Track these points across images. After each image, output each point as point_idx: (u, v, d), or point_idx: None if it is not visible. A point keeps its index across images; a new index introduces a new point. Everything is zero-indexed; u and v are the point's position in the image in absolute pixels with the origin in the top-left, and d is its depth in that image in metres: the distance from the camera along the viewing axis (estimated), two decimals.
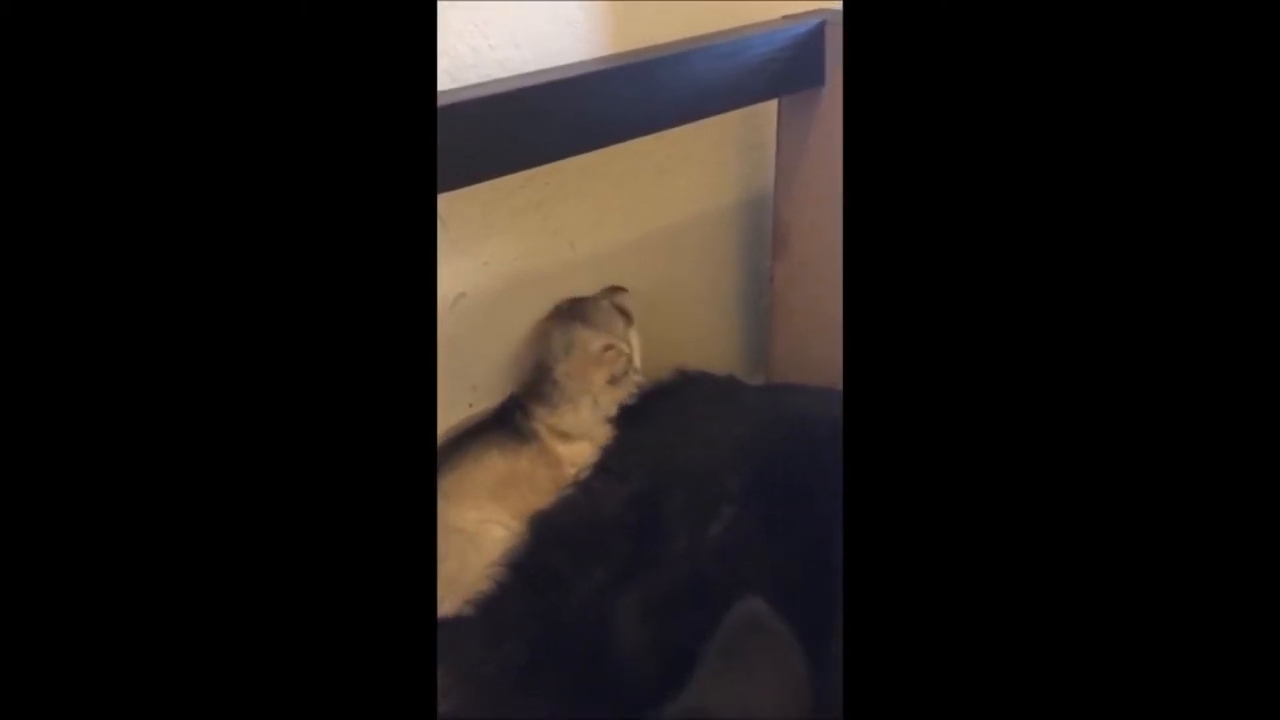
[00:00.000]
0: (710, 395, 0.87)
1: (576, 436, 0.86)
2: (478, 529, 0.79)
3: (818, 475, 0.67)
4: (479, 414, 0.89)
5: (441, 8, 0.71)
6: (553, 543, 0.73)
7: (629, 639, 0.64)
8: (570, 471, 0.83)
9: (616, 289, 0.92)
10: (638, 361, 0.89)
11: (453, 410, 0.88)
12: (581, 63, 0.80)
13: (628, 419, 0.86)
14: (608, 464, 0.80)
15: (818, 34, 0.84)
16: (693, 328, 1.06)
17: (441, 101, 0.66)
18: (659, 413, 0.86)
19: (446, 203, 0.78)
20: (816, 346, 0.95)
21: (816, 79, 0.86)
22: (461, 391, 0.88)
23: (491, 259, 0.85)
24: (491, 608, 0.69)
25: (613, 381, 0.87)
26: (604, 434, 0.85)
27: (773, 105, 0.91)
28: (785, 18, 0.87)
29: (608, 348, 0.86)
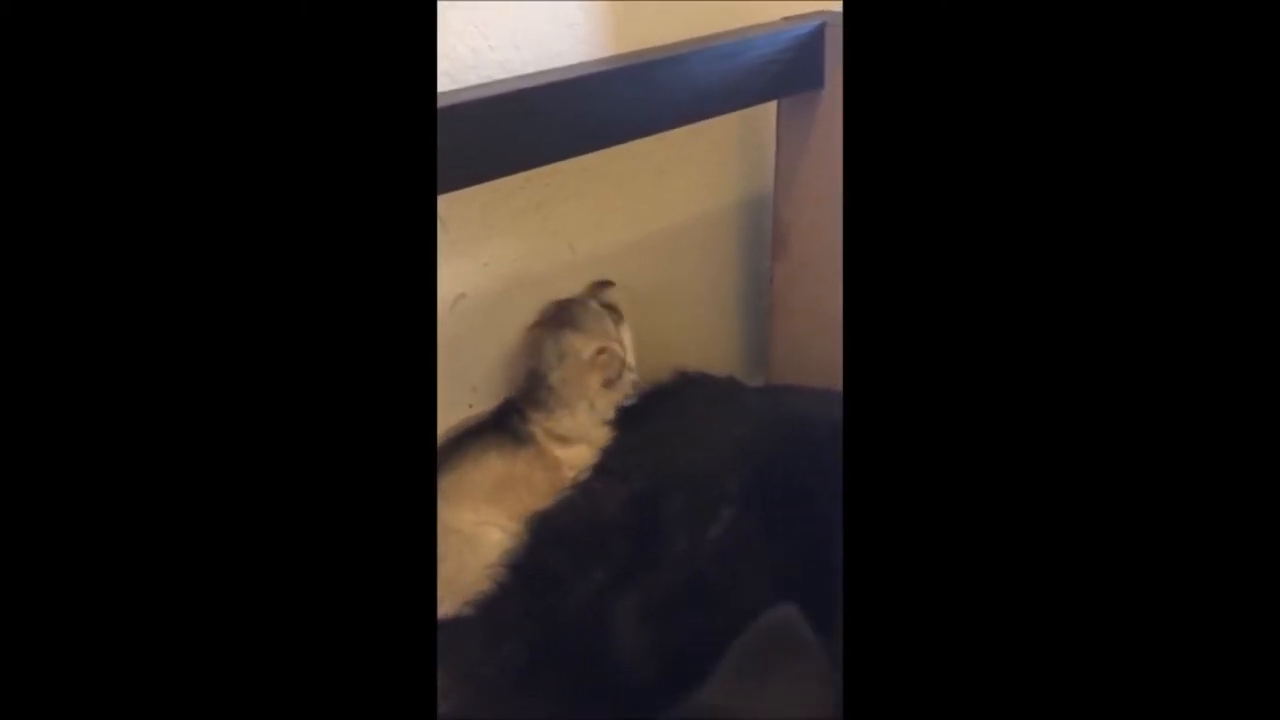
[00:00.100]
0: (710, 396, 0.87)
1: (574, 440, 0.86)
2: (474, 530, 0.79)
3: (817, 477, 0.67)
4: (477, 416, 0.88)
5: (441, 8, 0.71)
6: (552, 543, 0.73)
7: (628, 640, 0.64)
8: (568, 475, 0.82)
9: (603, 284, 0.91)
10: (631, 360, 0.89)
11: (452, 411, 0.88)
12: (581, 64, 0.80)
13: (627, 420, 0.86)
14: (607, 465, 0.80)
15: (817, 36, 0.84)
16: (693, 328, 1.06)
17: (441, 103, 0.66)
18: (658, 414, 0.86)
19: (446, 204, 0.78)
20: (816, 347, 0.95)
21: (816, 81, 0.86)
22: (461, 392, 0.88)
23: (491, 260, 0.85)
24: (491, 608, 0.69)
25: (607, 384, 0.86)
26: (602, 437, 0.85)
27: (772, 106, 0.91)
28: (785, 19, 0.87)
29: (601, 351, 0.86)
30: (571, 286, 0.91)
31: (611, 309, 0.89)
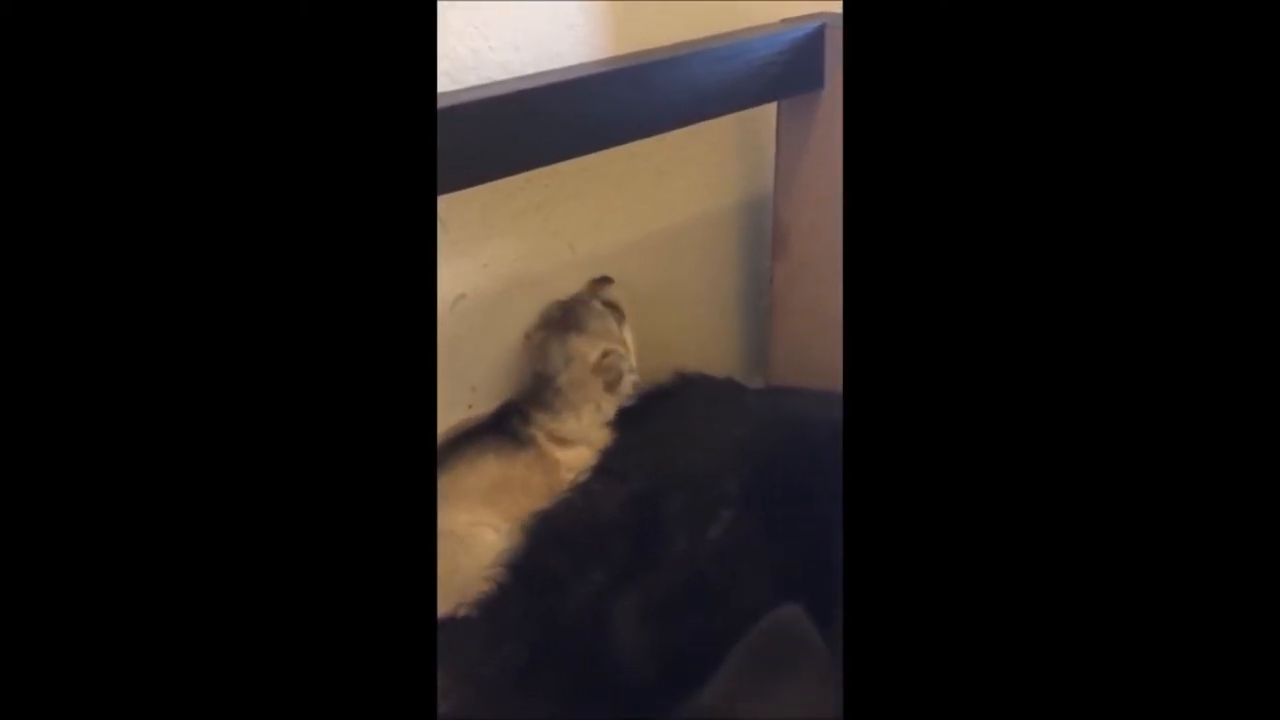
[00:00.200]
0: (709, 398, 0.87)
1: (575, 441, 0.86)
2: (469, 532, 0.79)
3: (817, 478, 0.67)
4: (474, 418, 0.88)
5: (441, 9, 0.71)
6: (552, 544, 0.73)
7: (628, 641, 0.64)
8: (567, 476, 0.82)
9: (603, 281, 0.91)
10: (633, 359, 0.89)
11: (452, 411, 0.88)
12: (581, 65, 0.80)
13: (627, 421, 0.87)
14: (607, 465, 0.81)
15: (817, 37, 0.84)
16: (692, 329, 1.06)
17: (442, 103, 0.66)
18: (658, 415, 0.86)
19: (447, 204, 0.78)
20: (816, 348, 0.95)
21: (816, 82, 0.86)
22: (461, 393, 0.88)
23: (491, 260, 0.85)
24: (491, 609, 0.69)
25: (609, 386, 0.86)
26: (602, 439, 0.85)
27: (772, 108, 0.91)
28: (785, 21, 0.87)
29: (606, 354, 0.86)
30: (572, 287, 0.91)
31: (614, 307, 0.89)
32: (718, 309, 1.09)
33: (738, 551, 0.67)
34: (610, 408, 0.87)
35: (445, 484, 0.81)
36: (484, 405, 0.89)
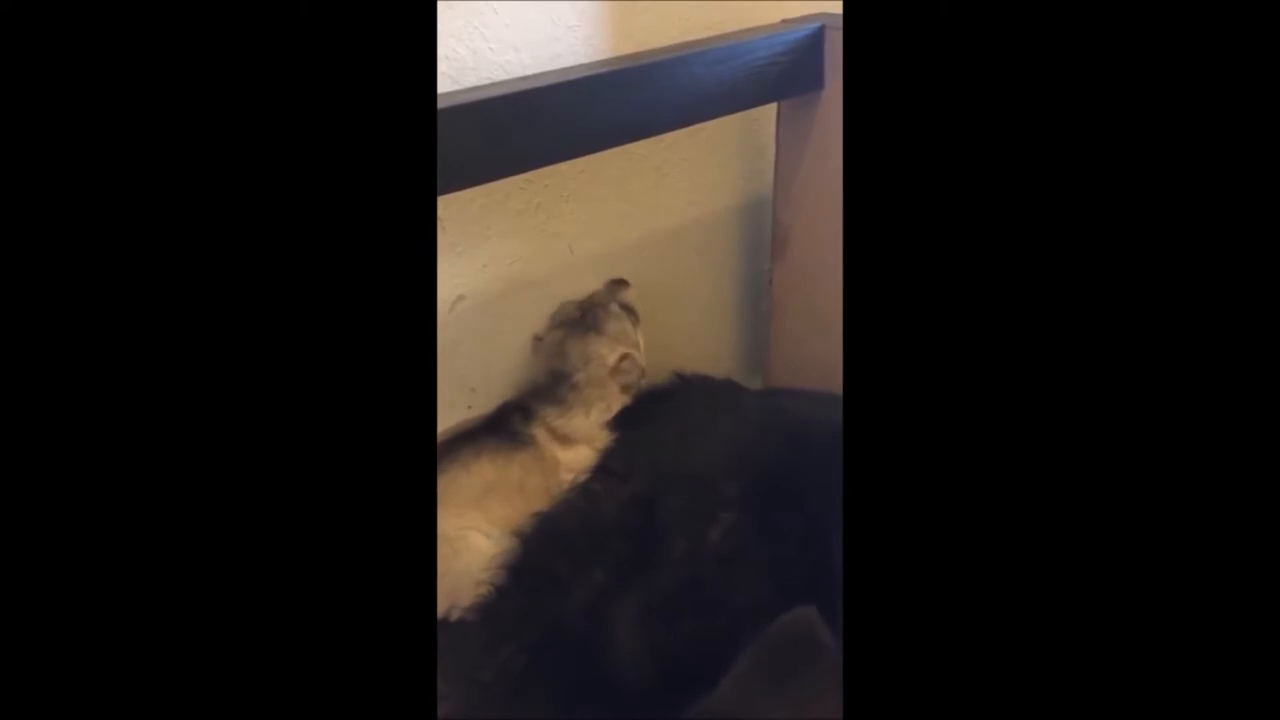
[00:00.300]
0: (708, 399, 0.87)
1: (577, 440, 0.86)
2: (459, 536, 0.78)
3: (816, 481, 0.67)
4: (469, 420, 0.88)
5: (442, 9, 0.71)
6: (552, 544, 0.73)
7: (627, 642, 0.64)
8: (567, 477, 0.82)
9: (620, 284, 0.92)
10: (644, 362, 0.90)
11: (451, 412, 0.88)
12: (581, 66, 0.80)
13: (626, 421, 0.86)
14: (607, 466, 0.80)
15: (817, 38, 0.84)
16: (692, 330, 1.06)
17: (441, 104, 0.66)
18: (657, 416, 0.86)
19: (446, 205, 0.78)
20: (815, 349, 0.95)
21: (816, 83, 0.86)
22: (460, 394, 0.88)
23: (490, 261, 0.85)
24: (490, 610, 0.69)
25: (625, 389, 0.87)
26: (603, 439, 0.85)
27: (772, 108, 0.91)
28: (785, 21, 0.87)
29: (624, 358, 0.87)
30: (571, 288, 0.91)
31: (630, 311, 0.90)
32: (717, 310, 1.09)
33: (737, 554, 0.66)
34: (618, 408, 0.87)
35: (439, 486, 0.81)
36: (483, 406, 0.89)
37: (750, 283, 1.09)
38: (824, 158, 0.89)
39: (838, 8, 0.86)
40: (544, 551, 0.72)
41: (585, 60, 0.82)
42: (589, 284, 0.92)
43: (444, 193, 0.68)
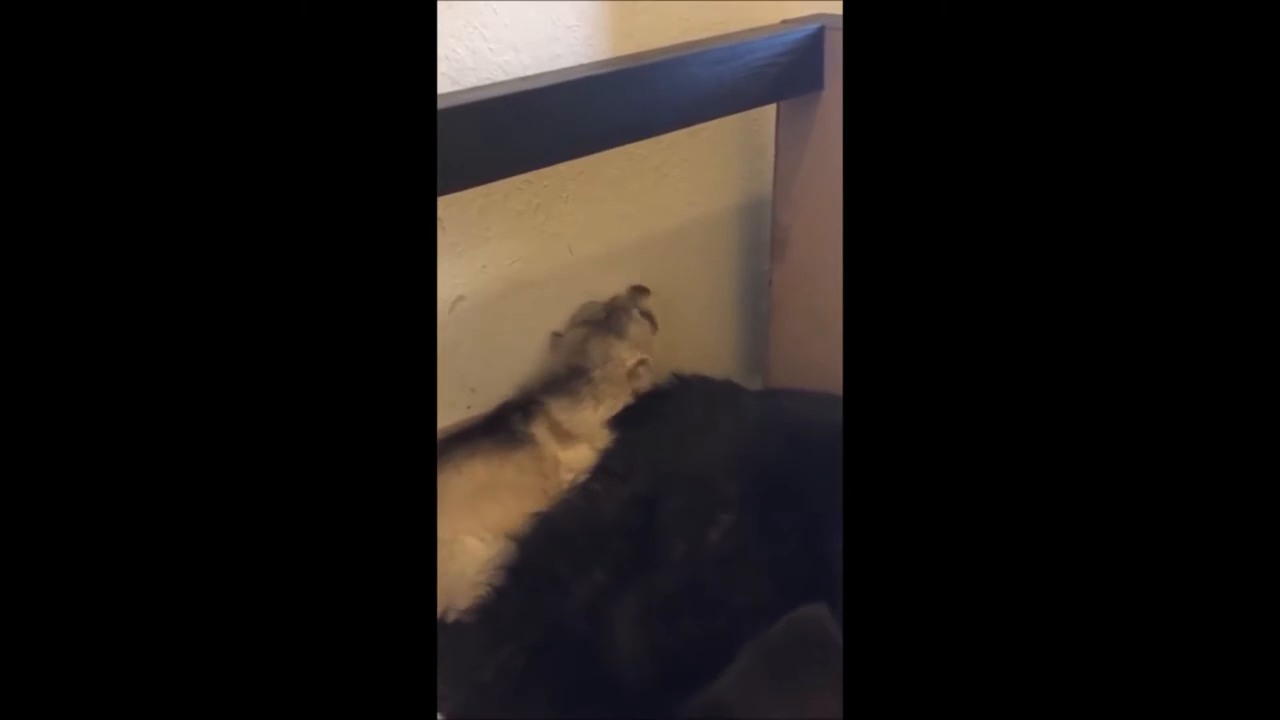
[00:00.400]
0: (708, 401, 0.87)
1: (579, 437, 0.86)
2: (451, 538, 0.78)
3: (816, 481, 0.67)
4: (465, 421, 0.88)
5: (441, 9, 0.71)
6: (552, 544, 0.73)
7: (626, 642, 0.64)
8: (566, 477, 0.82)
9: (641, 291, 0.93)
10: (656, 370, 0.91)
11: (450, 413, 0.88)
12: (581, 66, 0.80)
13: (626, 421, 0.86)
14: (607, 466, 0.80)
15: (817, 38, 0.84)
16: (692, 330, 1.06)
17: (441, 104, 0.66)
18: (657, 416, 0.86)
19: (445, 205, 0.78)
20: (815, 349, 0.95)
21: (816, 83, 0.86)
22: (459, 394, 0.88)
23: (490, 261, 0.85)
24: (490, 611, 0.69)
25: (635, 393, 0.88)
26: (604, 438, 0.85)
27: (772, 109, 0.91)
28: (784, 22, 0.87)
29: (641, 363, 0.88)
30: (570, 288, 0.91)
31: (650, 318, 0.92)
32: (717, 310, 1.09)
33: (737, 554, 0.66)
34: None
35: None
36: (482, 406, 0.89)
37: (750, 283, 1.09)
38: (824, 158, 0.89)
39: (838, 8, 0.86)
40: (544, 552, 0.72)
41: (585, 60, 0.82)
42: (589, 284, 0.92)
43: (444, 193, 0.68)
